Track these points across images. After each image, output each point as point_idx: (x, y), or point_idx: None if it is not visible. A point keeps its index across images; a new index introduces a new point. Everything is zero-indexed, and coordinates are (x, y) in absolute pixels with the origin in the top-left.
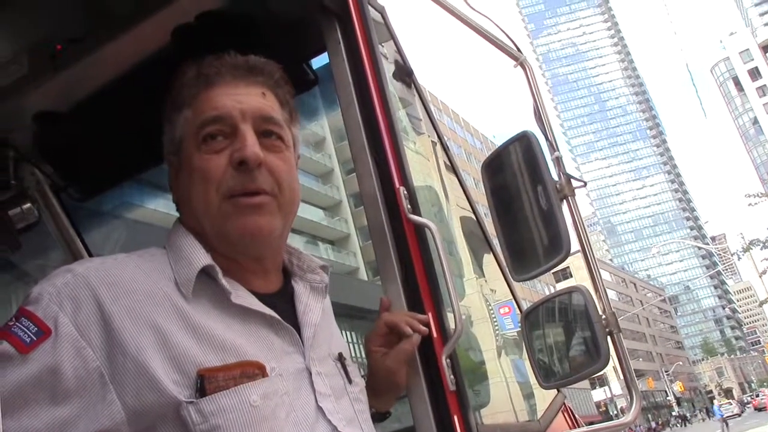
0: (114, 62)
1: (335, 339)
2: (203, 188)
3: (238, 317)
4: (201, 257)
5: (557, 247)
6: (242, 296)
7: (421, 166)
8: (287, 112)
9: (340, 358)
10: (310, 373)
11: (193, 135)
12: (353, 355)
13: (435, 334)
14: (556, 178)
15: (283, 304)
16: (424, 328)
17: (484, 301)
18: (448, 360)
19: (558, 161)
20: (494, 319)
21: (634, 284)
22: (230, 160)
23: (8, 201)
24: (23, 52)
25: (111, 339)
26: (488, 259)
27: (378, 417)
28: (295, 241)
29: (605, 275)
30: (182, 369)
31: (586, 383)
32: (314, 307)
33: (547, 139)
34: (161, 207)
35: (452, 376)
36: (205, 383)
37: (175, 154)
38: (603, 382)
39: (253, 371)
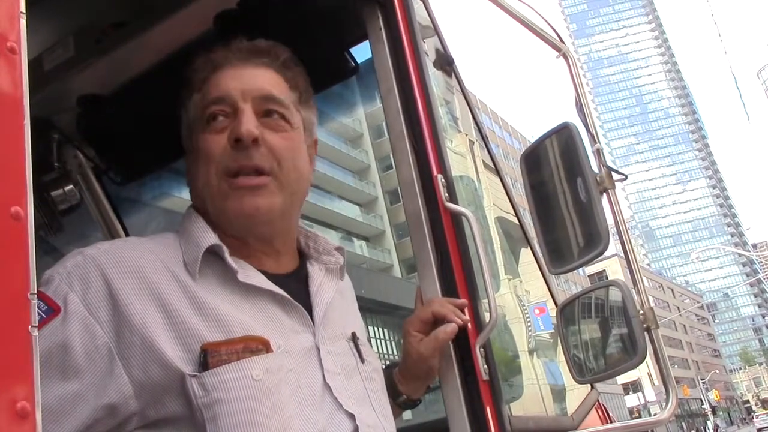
0: (157, 47)
1: (351, 320)
2: (205, 169)
3: (245, 296)
4: (208, 237)
5: (596, 239)
6: (250, 275)
7: (459, 164)
8: (296, 93)
9: (353, 337)
10: (319, 351)
11: (200, 117)
12: (385, 352)
13: (469, 324)
14: (596, 170)
15: (296, 285)
16: (465, 317)
17: (517, 302)
18: (482, 350)
19: (599, 153)
20: (528, 319)
21: (672, 290)
22: (229, 139)
23: (51, 182)
24: (69, 35)
25: (118, 315)
26: (524, 260)
27: (409, 404)
28: (330, 237)
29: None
30: (187, 345)
31: (619, 388)
32: (327, 287)
33: (588, 130)
34: None
35: (485, 366)
36: (207, 357)
37: (189, 138)
38: (636, 387)
39: (256, 346)
